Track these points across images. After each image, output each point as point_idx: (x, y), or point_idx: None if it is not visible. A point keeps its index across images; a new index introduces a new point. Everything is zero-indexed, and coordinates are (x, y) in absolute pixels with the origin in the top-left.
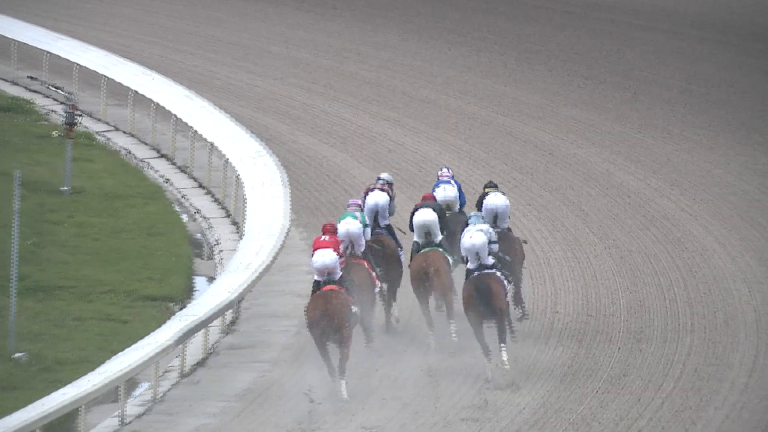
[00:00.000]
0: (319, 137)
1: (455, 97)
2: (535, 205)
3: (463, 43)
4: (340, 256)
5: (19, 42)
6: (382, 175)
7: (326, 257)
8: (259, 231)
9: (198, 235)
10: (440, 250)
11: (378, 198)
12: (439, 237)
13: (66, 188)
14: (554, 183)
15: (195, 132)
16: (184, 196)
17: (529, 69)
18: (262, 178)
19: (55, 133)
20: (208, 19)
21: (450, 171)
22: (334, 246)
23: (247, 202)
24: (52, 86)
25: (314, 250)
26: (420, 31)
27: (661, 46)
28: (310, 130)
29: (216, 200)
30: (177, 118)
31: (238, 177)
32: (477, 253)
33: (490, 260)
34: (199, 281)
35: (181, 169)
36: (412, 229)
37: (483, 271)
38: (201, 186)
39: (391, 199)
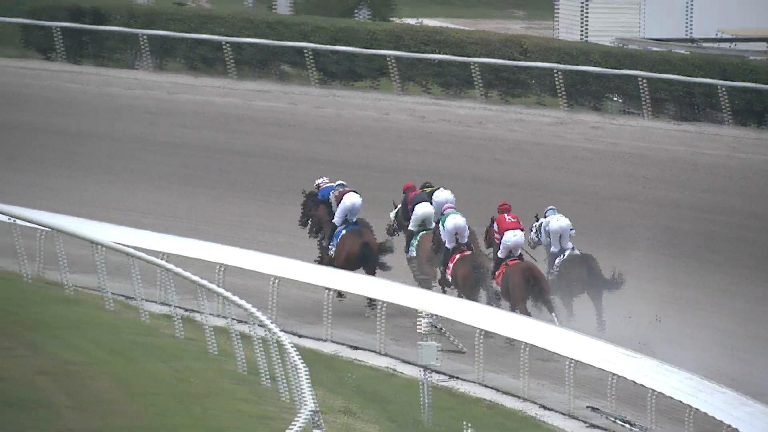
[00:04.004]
0: None
1: None
2: None
3: None
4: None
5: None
6: (340, 181)
7: (517, 236)
8: None
9: None
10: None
11: (355, 198)
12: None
13: None
14: None
15: None
16: None
17: None
18: None
19: None
20: None
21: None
22: (519, 225)
23: None
24: (620, 420)
25: (503, 230)
26: None
27: None
28: None
29: None
30: None
31: None
32: (561, 236)
33: (570, 245)
34: None
35: None
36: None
37: (578, 251)
38: None
39: None
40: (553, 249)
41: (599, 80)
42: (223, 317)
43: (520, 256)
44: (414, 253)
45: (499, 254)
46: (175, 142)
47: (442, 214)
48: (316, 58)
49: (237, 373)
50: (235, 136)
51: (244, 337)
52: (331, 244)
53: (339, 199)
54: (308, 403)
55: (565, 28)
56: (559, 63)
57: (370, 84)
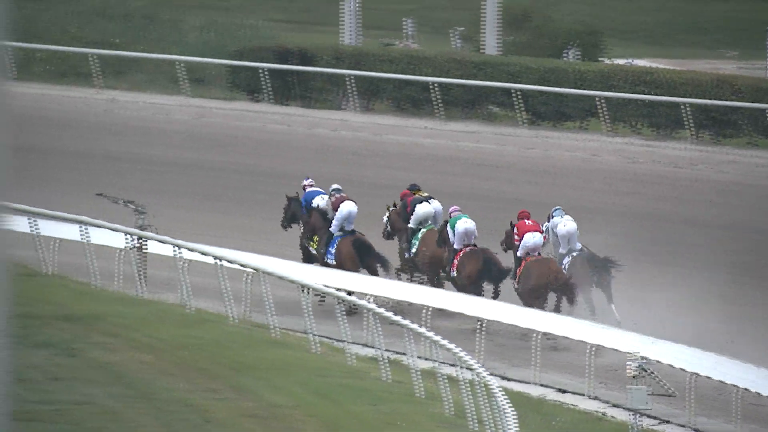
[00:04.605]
0: None
1: None
2: None
3: None
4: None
5: None
6: (336, 186)
7: (537, 238)
8: None
9: None
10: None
11: (351, 207)
12: None
13: None
14: None
15: None
16: None
17: None
18: None
19: None
20: None
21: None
22: (539, 228)
23: None
24: None
25: (522, 233)
26: None
27: None
28: None
29: None
30: None
31: None
32: (569, 239)
33: (578, 245)
34: None
35: None
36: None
37: (581, 251)
38: None
39: None
40: (561, 250)
41: None
42: (430, 360)
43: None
44: (414, 250)
45: (518, 254)
46: (381, 184)
47: (450, 217)
48: (525, 99)
49: (444, 416)
50: (442, 177)
51: (451, 380)
52: (328, 253)
53: (335, 206)
54: None
55: None
56: None
57: (579, 125)
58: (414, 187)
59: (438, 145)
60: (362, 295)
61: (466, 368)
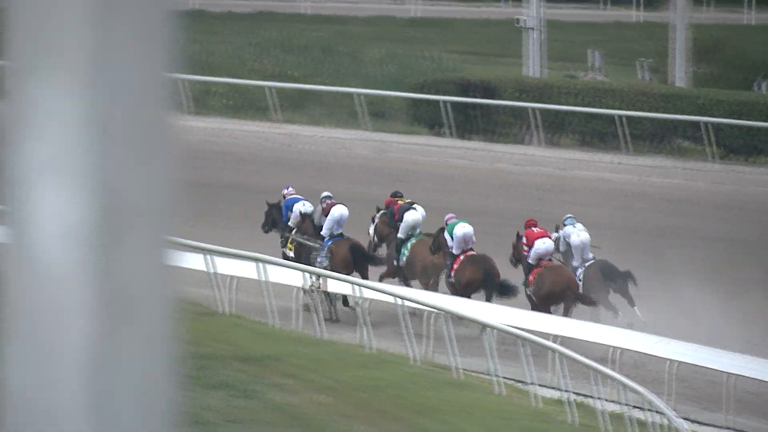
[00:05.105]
0: None
1: None
2: None
3: None
4: None
5: None
6: (326, 193)
7: (547, 243)
8: None
9: None
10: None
11: (342, 210)
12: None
13: None
14: None
15: None
16: None
17: None
18: None
19: None
20: None
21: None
22: (548, 234)
23: None
24: None
25: (533, 240)
26: None
27: None
28: None
29: None
30: None
31: None
32: (582, 250)
33: (591, 255)
34: None
35: None
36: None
37: (593, 260)
38: None
39: None
40: (574, 263)
41: None
42: (618, 402)
43: (550, 261)
44: (404, 260)
45: (530, 260)
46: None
47: (446, 224)
48: (715, 132)
49: None
50: (630, 213)
51: (640, 424)
52: (320, 257)
53: (326, 212)
54: None
55: None
56: None
57: None
58: (397, 194)
59: (625, 181)
60: (547, 336)
61: (656, 412)
